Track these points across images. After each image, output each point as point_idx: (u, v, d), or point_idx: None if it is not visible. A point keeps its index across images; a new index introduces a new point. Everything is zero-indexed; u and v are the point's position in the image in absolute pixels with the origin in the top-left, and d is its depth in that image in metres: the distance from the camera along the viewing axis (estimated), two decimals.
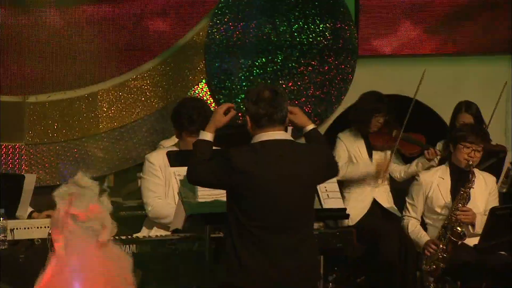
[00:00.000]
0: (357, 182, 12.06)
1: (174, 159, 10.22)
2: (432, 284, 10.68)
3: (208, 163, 8.80)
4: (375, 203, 11.89)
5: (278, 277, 8.29)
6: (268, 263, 8.28)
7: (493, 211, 10.44)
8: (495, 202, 10.99)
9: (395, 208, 11.98)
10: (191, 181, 8.95)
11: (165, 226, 10.57)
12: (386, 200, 11.97)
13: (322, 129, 13.52)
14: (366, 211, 11.95)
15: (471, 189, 10.74)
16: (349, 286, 11.90)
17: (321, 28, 13.29)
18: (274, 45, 13.78)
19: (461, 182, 10.82)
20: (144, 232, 10.77)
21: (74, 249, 7.68)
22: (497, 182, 11.60)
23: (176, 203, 10.04)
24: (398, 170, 12.29)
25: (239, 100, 13.17)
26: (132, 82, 13.40)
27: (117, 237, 9.53)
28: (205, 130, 9.12)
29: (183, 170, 9.44)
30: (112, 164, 13.39)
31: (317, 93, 13.84)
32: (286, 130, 8.96)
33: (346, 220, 11.46)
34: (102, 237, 7.77)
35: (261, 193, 8.30)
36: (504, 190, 12.45)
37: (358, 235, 11.04)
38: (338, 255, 11.47)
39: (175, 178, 9.74)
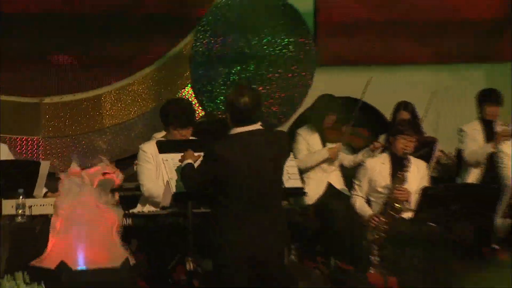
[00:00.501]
0: (314, 170, 11.97)
1: (162, 147, 10.27)
2: (375, 251, 10.79)
3: (197, 169, 8.87)
4: (329, 185, 11.90)
5: (256, 247, 8.34)
6: (248, 236, 8.29)
7: (424, 191, 10.75)
8: (426, 183, 11.15)
9: (346, 189, 12.04)
10: (192, 188, 9.00)
11: (156, 204, 10.42)
12: (338, 183, 12.00)
13: (286, 126, 13.88)
14: (322, 192, 11.94)
15: (407, 172, 10.93)
16: (308, 254, 11.49)
17: (286, 42, 13.27)
18: (247, 56, 13.66)
19: (398, 167, 10.97)
20: (138, 208, 10.75)
21: (73, 219, 7.95)
22: (427, 167, 11.66)
23: (165, 184, 9.95)
24: (348, 159, 12.32)
25: (218, 101, 13.19)
26: (130, 86, 13.35)
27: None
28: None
29: (169, 156, 9.82)
30: (114, 154, 13.30)
31: (283, 95, 13.75)
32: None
33: (306, 200, 11.77)
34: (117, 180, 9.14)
35: (241, 177, 8.28)
36: (434, 174, 12.61)
37: (316, 211, 11.83)
38: (299, 228, 11.19)
39: (163, 163, 9.82)
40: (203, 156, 8.84)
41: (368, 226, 10.87)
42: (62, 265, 7.66)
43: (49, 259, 7.84)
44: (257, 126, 8.57)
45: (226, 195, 8.49)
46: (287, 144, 9.52)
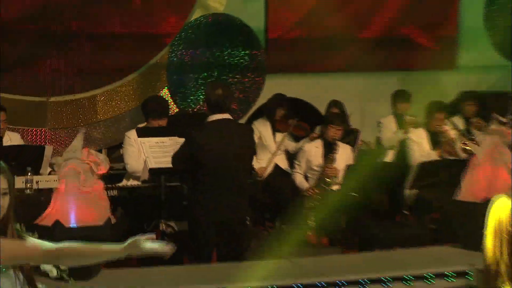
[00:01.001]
0: (264, 153, 11.99)
1: (140, 132, 10.61)
2: (312, 217, 10.79)
3: (179, 150, 9.41)
4: (276, 166, 11.81)
5: (225, 210, 9.13)
6: (219, 202, 9.02)
7: (349, 167, 11.18)
8: (351, 162, 11.35)
9: (289, 168, 11.99)
10: (176, 165, 9.38)
11: (138, 178, 10.54)
12: (283, 164, 11.95)
13: (243, 120, 13.63)
14: (270, 170, 11.83)
15: (335, 154, 11.17)
16: (259, 221, 11.66)
17: (242, 54, 13.22)
18: (212, 65, 13.56)
19: (329, 150, 11.21)
20: (124, 183, 10.83)
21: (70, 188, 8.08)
22: (352, 150, 11.93)
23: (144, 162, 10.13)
24: (292, 145, 12.29)
25: (189, 100, 13.21)
26: (119, 88, 13.25)
27: (108, 185, 10.15)
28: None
29: (146, 139, 10.21)
30: (106, 142, 13.33)
31: (240, 96, 13.43)
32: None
33: (258, 177, 11.77)
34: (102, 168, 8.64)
35: (213, 156, 9.03)
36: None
37: (265, 186, 11.81)
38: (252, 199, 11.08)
39: (141, 145, 10.05)
40: (185, 140, 9.43)
41: (306, 196, 11.06)
42: (57, 223, 7.77)
43: (47, 219, 7.94)
44: (228, 115, 9.29)
45: (202, 170, 9.19)
46: (252, 134, 10.05)
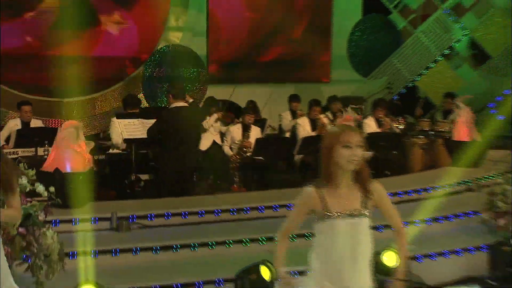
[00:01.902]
0: (207, 133, 11.24)
1: (119, 116, 10.37)
2: (236, 173, 10.88)
3: (151, 128, 9.54)
4: (214, 142, 11.31)
5: (179, 163, 9.18)
6: (176, 158, 9.11)
7: (257, 141, 10.85)
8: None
9: (221, 143, 11.37)
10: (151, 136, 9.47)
11: (118, 148, 10.37)
12: (218, 139, 11.39)
13: None
14: (210, 145, 11.29)
15: (249, 133, 10.95)
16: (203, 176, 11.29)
17: (192, 71, 13.06)
18: (175, 78, 13.00)
19: (246, 130, 10.96)
20: (110, 151, 10.67)
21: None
22: (261, 131, 11.64)
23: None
24: (223, 128, 11.71)
25: (157, 101, 13.05)
26: (110, 93, 13.13)
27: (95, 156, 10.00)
28: None
29: (122, 120, 10.04)
30: (101, 127, 13.04)
31: (190, 100, 12.80)
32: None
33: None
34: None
35: (174, 129, 9.10)
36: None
37: (206, 154, 11.09)
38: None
39: (119, 123, 9.90)
40: (156, 119, 9.66)
41: (231, 160, 10.84)
42: (57, 170, 7.63)
43: (49, 166, 7.84)
44: (184, 103, 9.51)
45: (166, 139, 9.32)
46: (199, 114, 10.25)
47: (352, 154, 3.64)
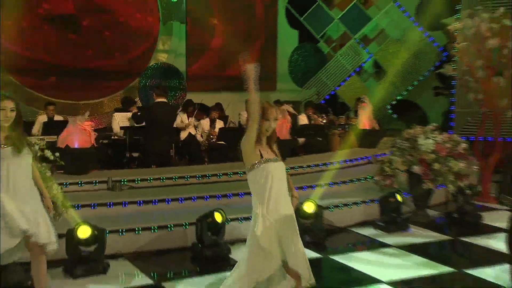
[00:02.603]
0: None
1: (117, 111, 10.35)
2: (205, 153, 10.36)
3: (140, 117, 9.33)
4: (189, 133, 10.42)
5: (160, 146, 8.89)
6: (158, 142, 8.77)
7: (220, 130, 10.38)
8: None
9: (196, 133, 10.76)
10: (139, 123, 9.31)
11: (116, 135, 10.05)
12: (193, 131, 10.55)
13: None
14: (186, 135, 10.61)
15: (215, 124, 10.61)
16: (179, 157, 10.98)
17: (175, 81, 12.80)
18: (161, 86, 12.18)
19: (212, 123, 10.60)
20: (112, 137, 10.20)
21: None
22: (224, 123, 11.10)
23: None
24: (196, 122, 11.06)
25: (149, 102, 11.86)
26: (114, 97, 12.87)
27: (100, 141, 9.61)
28: None
29: (120, 113, 10.06)
30: (107, 122, 12.26)
31: (174, 102, 12.80)
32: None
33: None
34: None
35: (157, 119, 8.67)
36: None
37: (183, 142, 10.61)
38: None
39: (117, 116, 9.88)
40: (145, 110, 9.52)
41: (202, 144, 10.37)
42: (67, 146, 7.40)
43: (61, 143, 7.56)
44: (165, 99, 9.02)
45: (150, 126, 8.85)
46: (175, 110, 9.88)
47: (269, 126, 3.85)
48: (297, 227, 3.96)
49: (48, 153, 5.36)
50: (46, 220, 4.26)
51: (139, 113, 9.64)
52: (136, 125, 9.54)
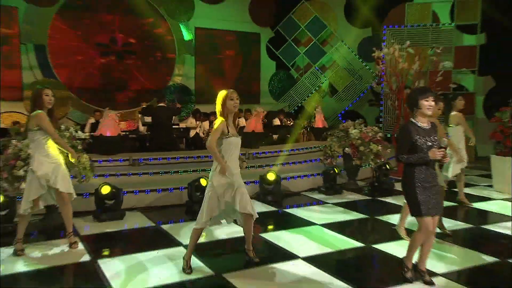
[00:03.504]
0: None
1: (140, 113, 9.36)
2: (204, 141, 9.84)
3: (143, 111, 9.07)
4: (196, 133, 10.32)
5: (164, 139, 8.32)
6: (161, 136, 8.28)
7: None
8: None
9: (199, 131, 10.56)
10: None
11: (142, 132, 9.72)
12: (199, 132, 10.50)
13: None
14: (194, 134, 10.46)
15: (213, 124, 9.85)
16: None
17: (186, 97, 12.66)
18: (174, 97, 12.14)
19: (211, 124, 9.98)
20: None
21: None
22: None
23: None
24: (200, 123, 10.67)
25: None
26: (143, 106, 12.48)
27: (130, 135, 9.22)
28: None
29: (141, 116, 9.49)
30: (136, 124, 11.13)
31: (177, 106, 12.26)
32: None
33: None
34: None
35: (159, 118, 8.25)
36: None
37: (192, 139, 10.23)
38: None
39: (140, 117, 9.50)
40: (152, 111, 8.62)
41: (203, 139, 9.73)
42: (101, 134, 7.30)
43: (97, 132, 7.32)
44: (163, 104, 8.51)
45: (154, 124, 8.45)
46: (172, 112, 8.90)
47: (235, 104, 3.72)
48: (243, 181, 3.87)
49: (80, 134, 5.35)
50: (66, 177, 4.31)
51: (143, 110, 9.46)
52: (145, 119, 9.37)
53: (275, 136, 11.03)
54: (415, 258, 3.63)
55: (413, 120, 3.44)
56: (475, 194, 7.03)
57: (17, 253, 4.22)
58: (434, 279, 3.62)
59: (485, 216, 5.85)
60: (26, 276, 3.81)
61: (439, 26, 11.04)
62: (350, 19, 13.46)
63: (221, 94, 3.75)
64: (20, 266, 3.97)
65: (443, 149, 3.33)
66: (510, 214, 5.74)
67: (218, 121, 3.72)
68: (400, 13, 11.39)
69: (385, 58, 8.87)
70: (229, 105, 3.70)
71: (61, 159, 4.32)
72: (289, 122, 11.96)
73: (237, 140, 3.80)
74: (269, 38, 14.28)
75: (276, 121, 11.76)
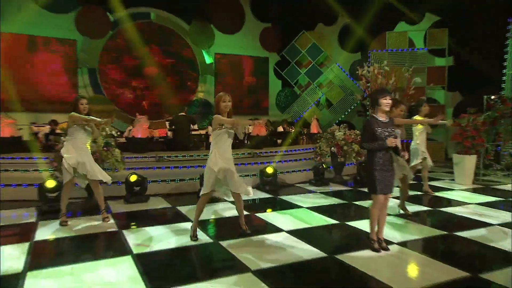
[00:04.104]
0: None
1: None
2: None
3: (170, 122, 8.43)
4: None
5: (182, 139, 7.95)
6: (181, 136, 7.94)
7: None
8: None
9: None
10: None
11: (169, 136, 9.07)
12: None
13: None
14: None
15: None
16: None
17: (208, 110, 12.42)
18: (199, 110, 12.35)
19: None
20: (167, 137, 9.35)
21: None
22: None
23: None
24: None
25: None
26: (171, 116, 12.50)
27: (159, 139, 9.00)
28: None
29: (169, 123, 8.70)
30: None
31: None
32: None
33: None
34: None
35: (179, 122, 8.04)
36: None
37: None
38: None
39: (168, 125, 8.63)
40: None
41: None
42: (133, 136, 7.39)
43: (131, 135, 7.47)
44: (184, 113, 8.52)
45: (175, 129, 8.24)
46: (188, 118, 8.58)
47: (226, 105, 3.79)
48: (234, 165, 3.90)
49: (114, 133, 5.56)
50: (95, 166, 4.50)
51: (170, 121, 9.36)
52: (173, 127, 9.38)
53: (279, 141, 11.10)
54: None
55: (374, 115, 3.54)
56: (439, 185, 7.01)
57: (61, 224, 4.48)
58: (390, 247, 3.70)
59: (443, 201, 5.84)
60: (68, 239, 4.07)
61: (415, 50, 11.06)
62: (343, 45, 13.51)
63: (217, 96, 3.82)
64: (63, 233, 4.25)
65: (396, 138, 3.45)
66: (464, 200, 5.75)
67: (217, 116, 3.82)
68: (382, 40, 11.47)
69: (368, 75, 8.93)
70: (222, 106, 3.82)
71: (89, 152, 4.50)
72: (290, 129, 12.04)
73: (230, 132, 3.88)
74: (276, 61, 14.37)
75: (280, 129, 11.84)
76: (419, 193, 6.33)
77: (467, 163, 6.83)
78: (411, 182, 5.34)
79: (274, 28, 13.99)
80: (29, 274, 3.11)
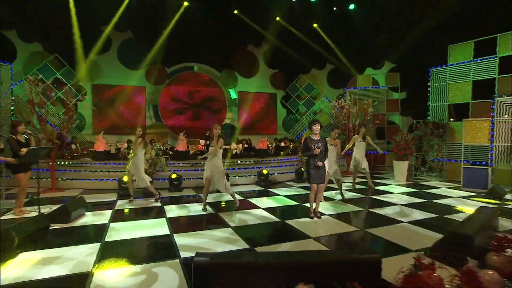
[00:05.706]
0: None
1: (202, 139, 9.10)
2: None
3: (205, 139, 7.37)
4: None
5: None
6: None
7: (244, 148, 9.45)
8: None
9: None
10: None
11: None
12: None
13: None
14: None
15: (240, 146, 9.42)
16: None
17: (233, 131, 12.89)
18: (226, 134, 13.12)
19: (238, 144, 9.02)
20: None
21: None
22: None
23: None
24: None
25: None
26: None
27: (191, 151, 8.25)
28: None
29: (202, 140, 8.44)
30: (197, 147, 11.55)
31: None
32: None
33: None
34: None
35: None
36: None
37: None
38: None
39: (201, 141, 8.43)
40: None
41: (238, 152, 8.72)
42: (176, 150, 7.36)
43: (176, 148, 7.40)
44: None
45: (205, 144, 7.91)
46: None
47: (216, 132, 4.32)
48: (224, 173, 4.37)
49: (160, 146, 6.47)
50: (143, 175, 5.21)
51: (205, 137, 9.40)
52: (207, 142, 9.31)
53: (282, 153, 11.59)
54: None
55: (310, 136, 4.33)
56: (381, 182, 7.27)
57: (130, 202, 5.47)
58: (323, 217, 4.40)
59: (377, 191, 6.09)
60: (134, 210, 4.98)
61: (379, 87, 11.59)
62: (330, 83, 14.03)
63: (213, 126, 4.38)
64: (130, 206, 5.20)
65: (319, 148, 4.25)
66: (394, 191, 5.97)
67: (219, 141, 4.33)
68: (354, 80, 12.02)
69: (339, 106, 9.46)
70: (214, 132, 4.46)
71: (142, 164, 5.02)
72: (290, 144, 12.55)
73: (219, 150, 4.26)
74: (282, 96, 14.69)
75: (282, 144, 12.40)
76: (363, 186, 6.59)
77: (402, 166, 7.29)
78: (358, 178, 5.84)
79: (280, 73, 14.59)
80: (111, 224, 4.12)
